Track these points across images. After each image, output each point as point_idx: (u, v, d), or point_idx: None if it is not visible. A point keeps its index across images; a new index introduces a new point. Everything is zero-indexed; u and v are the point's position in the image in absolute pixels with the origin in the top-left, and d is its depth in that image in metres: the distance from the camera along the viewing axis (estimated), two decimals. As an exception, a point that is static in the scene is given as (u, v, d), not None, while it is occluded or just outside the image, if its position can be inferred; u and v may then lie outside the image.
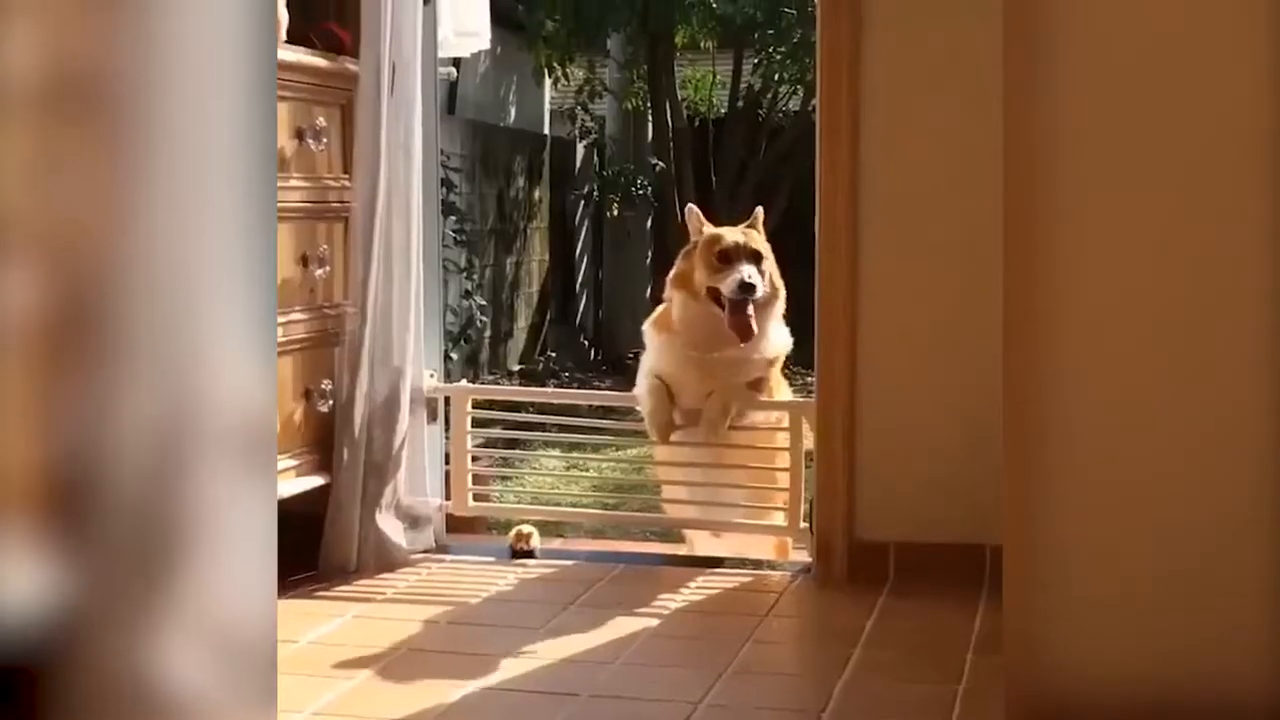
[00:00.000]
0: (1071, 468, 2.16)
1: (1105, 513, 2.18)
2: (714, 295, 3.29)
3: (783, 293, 3.38)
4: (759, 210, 3.47)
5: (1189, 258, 2.13)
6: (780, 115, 10.91)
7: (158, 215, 1.57)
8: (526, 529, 3.51)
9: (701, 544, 3.57)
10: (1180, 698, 2.16)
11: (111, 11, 1.54)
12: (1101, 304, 2.15)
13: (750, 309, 3.24)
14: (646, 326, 3.46)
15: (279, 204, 3.04)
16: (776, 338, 3.38)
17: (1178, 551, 2.17)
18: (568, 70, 10.56)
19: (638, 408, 3.44)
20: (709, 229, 3.40)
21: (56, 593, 1.50)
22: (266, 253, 1.69)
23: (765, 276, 3.30)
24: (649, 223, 11.35)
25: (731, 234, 3.37)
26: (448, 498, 3.56)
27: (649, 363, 3.42)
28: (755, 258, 3.30)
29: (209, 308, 1.61)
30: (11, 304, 1.48)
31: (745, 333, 3.26)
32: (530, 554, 3.45)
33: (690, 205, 3.60)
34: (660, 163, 10.72)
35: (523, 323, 10.58)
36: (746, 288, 3.23)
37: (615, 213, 10.90)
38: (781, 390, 3.47)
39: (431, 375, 3.52)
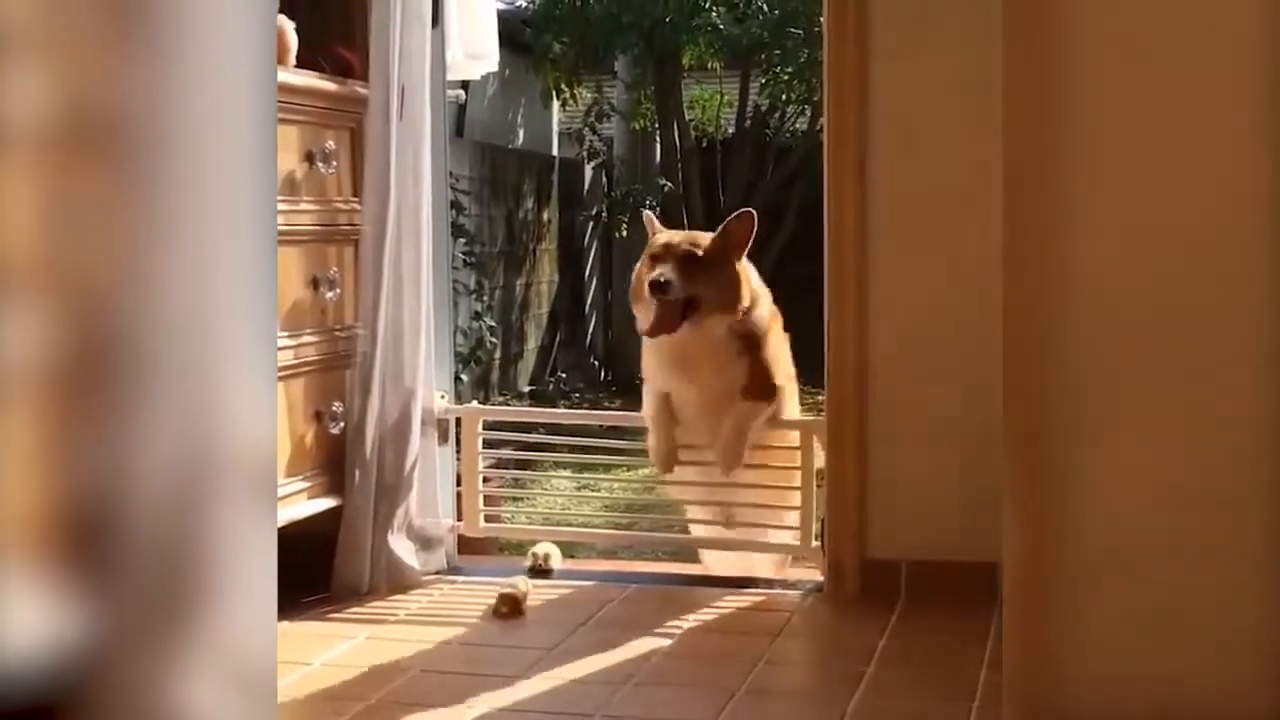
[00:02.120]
0: (1072, 485, 2.16)
1: (1107, 529, 2.18)
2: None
3: (748, 294, 3.25)
4: (742, 212, 3.30)
5: (1192, 269, 2.14)
6: (787, 135, 10.92)
7: (172, 254, 1.58)
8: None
9: (718, 564, 3.57)
10: (1181, 714, 2.16)
11: (127, 52, 1.55)
12: (1103, 319, 2.15)
13: (675, 312, 3.18)
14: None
15: (290, 227, 3.07)
16: (736, 333, 3.26)
17: (1180, 568, 2.17)
18: (575, 92, 10.59)
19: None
20: (663, 233, 3.37)
21: (78, 631, 1.50)
22: (269, 288, 1.71)
23: (707, 279, 3.20)
24: (658, 243, 11.36)
25: (666, 236, 3.33)
26: (459, 519, 3.57)
27: (648, 380, 3.41)
28: (685, 258, 3.21)
29: (220, 344, 1.62)
30: (32, 344, 1.49)
31: (656, 330, 3.22)
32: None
33: (646, 212, 3.56)
34: (668, 183, 10.74)
35: (533, 344, 10.59)
36: (656, 287, 3.18)
37: (624, 233, 10.92)
38: (791, 398, 3.42)
39: (442, 397, 3.53)
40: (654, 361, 3.35)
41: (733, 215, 3.31)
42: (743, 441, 3.28)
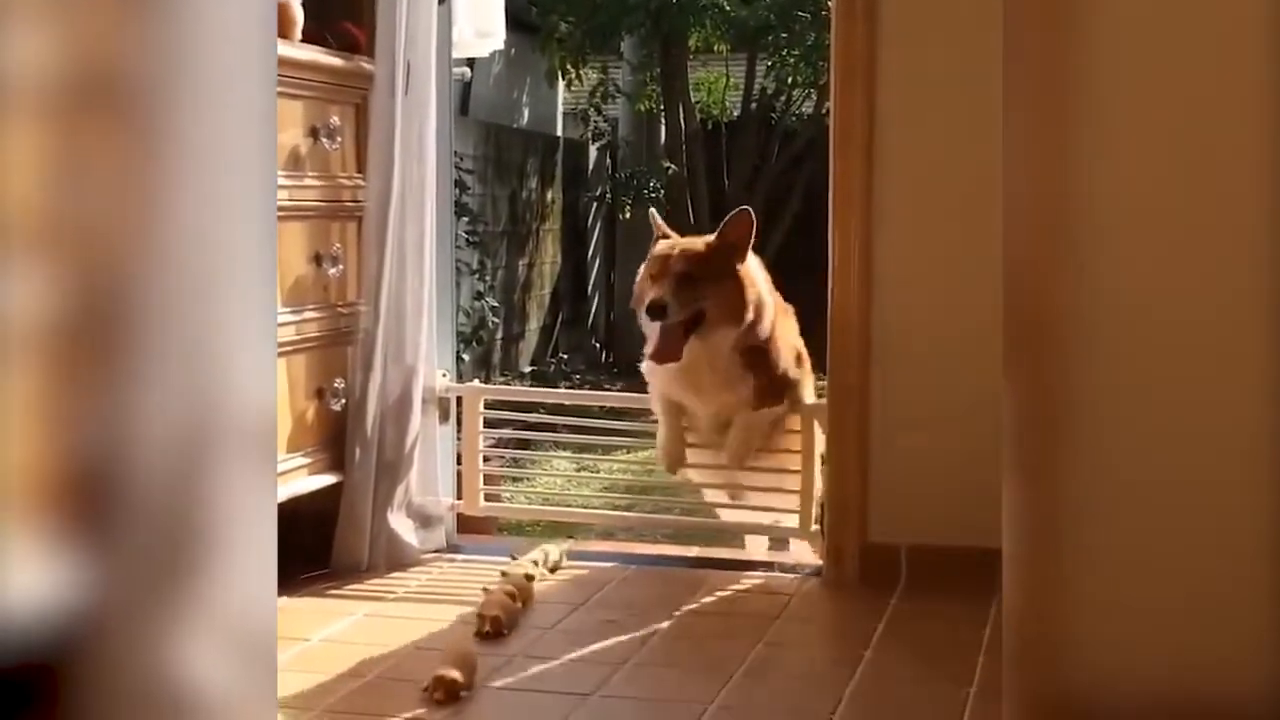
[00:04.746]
0: (1073, 471, 2.16)
1: (1108, 514, 2.17)
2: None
3: (755, 303, 3.15)
4: (738, 212, 3.20)
5: (1198, 252, 2.13)
6: (793, 118, 10.91)
7: (179, 215, 1.58)
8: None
9: (755, 547, 3.58)
10: (1182, 701, 2.16)
11: (137, 14, 1.55)
12: (1105, 304, 2.14)
13: (678, 338, 3.05)
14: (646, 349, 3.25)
15: (293, 202, 3.06)
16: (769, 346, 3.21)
17: (1181, 555, 2.17)
18: (581, 72, 10.57)
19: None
20: (661, 243, 3.24)
21: (78, 592, 1.50)
22: (269, 251, 1.71)
23: (712, 290, 3.09)
24: (661, 225, 11.36)
25: (665, 248, 3.18)
26: (459, 497, 3.57)
27: (654, 390, 3.32)
28: (682, 277, 3.08)
29: (222, 308, 1.63)
30: (37, 304, 1.49)
31: (662, 358, 3.11)
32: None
33: (651, 210, 3.41)
34: (673, 165, 10.73)
35: (534, 324, 10.59)
36: (654, 311, 3.06)
37: (628, 215, 10.91)
38: (808, 388, 3.39)
39: (444, 375, 3.53)
40: (659, 379, 3.28)
41: (730, 214, 3.21)
42: (750, 446, 3.28)
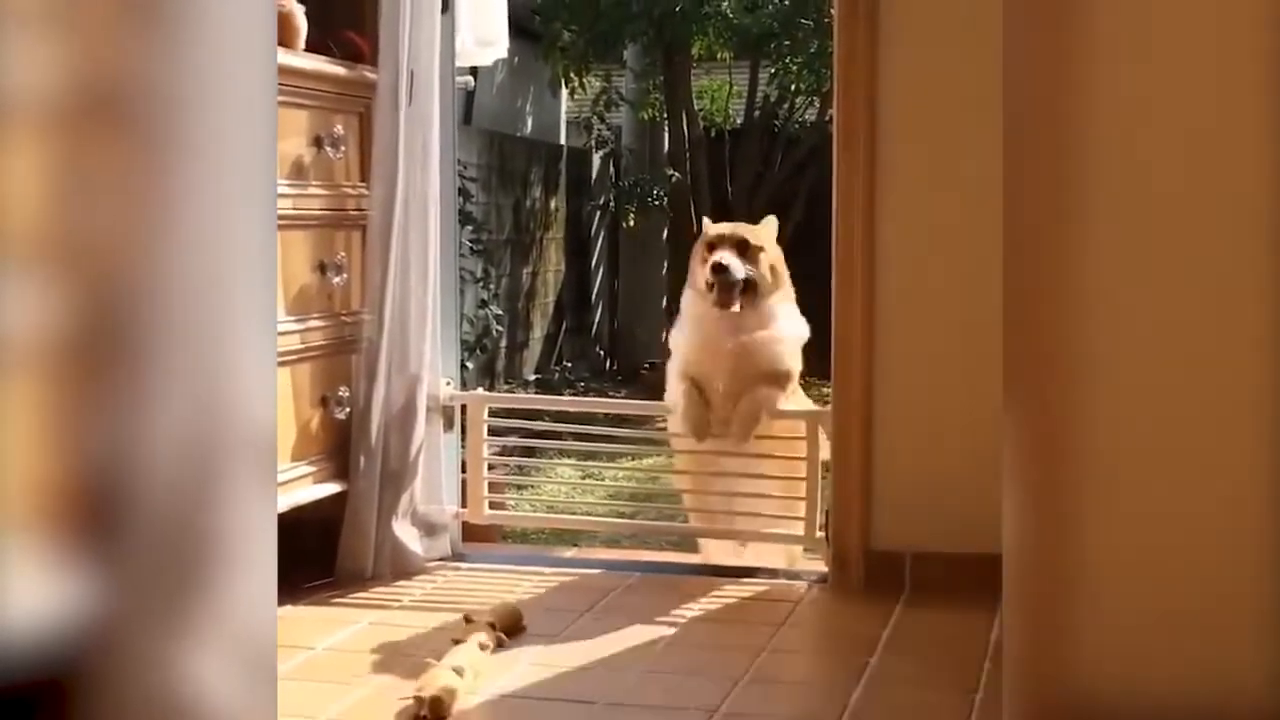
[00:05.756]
0: (1074, 475, 2.16)
1: (1107, 521, 2.17)
2: (710, 286, 3.42)
3: (786, 283, 3.50)
4: (771, 218, 3.58)
5: (1199, 256, 2.13)
6: (796, 126, 10.90)
7: (184, 230, 1.59)
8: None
9: (718, 553, 3.57)
10: (1182, 708, 2.16)
11: (141, 27, 1.55)
12: (1106, 308, 2.14)
13: (735, 290, 3.39)
14: (673, 332, 3.54)
15: (297, 211, 3.07)
16: (787, 325, 3.46)
17: (1184, 559, 2.17)
18: (584, 80, 10.57)
19: (668, 413, 3.46)
20: (713, 227, 3.54)
21: (84, 606, 1.50)
22: (270, 265, 1.72)
23: (758, 264, 3.42)
24: (665, 233, 11.36)
25: (721, 226, 3.54)
26: (464, 505, 3.57)
27: (676, 365, 3.46)
28: (740, 245, 3.43)
29: (224, 322, 1.63)
30: (42, 318, 1.49)
31: (722, 303, 3.41)
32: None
33: (705, 218, 3.73)
34: (676, 173, 10.73)
35: (538, 332, 10.59)
36: (718, 269, 3.38)
37: (631, 223, 10.91)
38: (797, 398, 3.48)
39: (448, 383, 3.53)
40: (690, 347, 3.45)
41: (768, 218, 3.56)
42: (755, 419, 3.36)
